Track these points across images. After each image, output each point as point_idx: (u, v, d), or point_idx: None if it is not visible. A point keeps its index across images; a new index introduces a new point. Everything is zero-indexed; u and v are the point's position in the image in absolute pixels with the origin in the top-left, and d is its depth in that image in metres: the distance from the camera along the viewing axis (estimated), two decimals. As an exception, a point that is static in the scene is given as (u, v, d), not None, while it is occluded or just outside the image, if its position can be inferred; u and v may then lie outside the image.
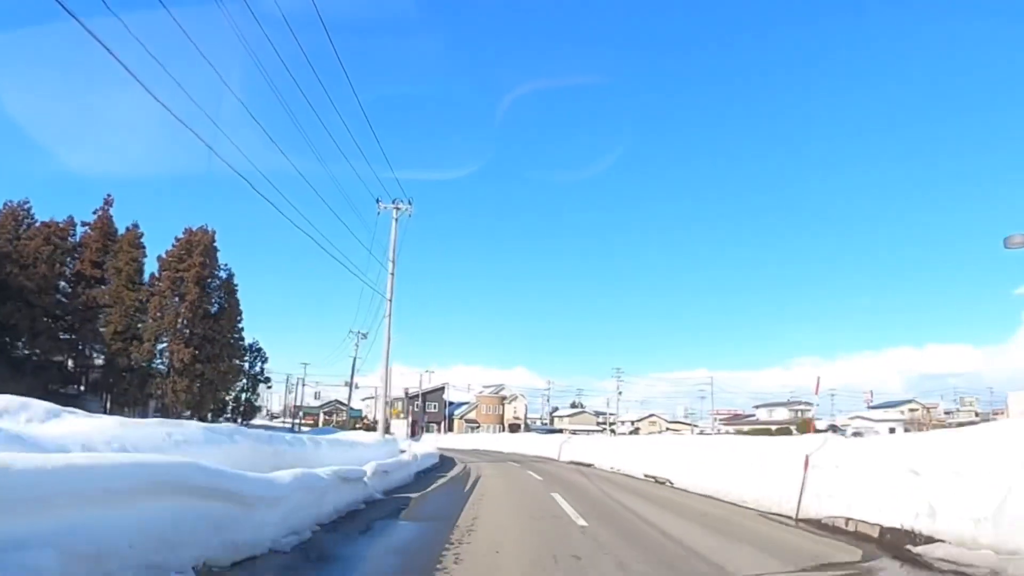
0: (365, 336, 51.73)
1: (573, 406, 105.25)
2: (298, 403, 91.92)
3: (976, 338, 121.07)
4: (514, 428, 71.11)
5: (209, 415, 50.53)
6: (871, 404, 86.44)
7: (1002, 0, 74.99)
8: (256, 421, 57.62)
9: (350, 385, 50.65)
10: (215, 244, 47.34)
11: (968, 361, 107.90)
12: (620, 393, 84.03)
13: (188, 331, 44.16)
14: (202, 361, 44.31)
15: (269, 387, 52.42)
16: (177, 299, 43.97)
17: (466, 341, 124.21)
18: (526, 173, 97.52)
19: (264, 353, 52.04)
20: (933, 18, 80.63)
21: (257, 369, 52.08)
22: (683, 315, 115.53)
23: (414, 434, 66.33)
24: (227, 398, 50.16)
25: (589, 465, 22.96)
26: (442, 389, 73.07)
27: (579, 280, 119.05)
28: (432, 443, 43.11)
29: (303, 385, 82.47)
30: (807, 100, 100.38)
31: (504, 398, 75.92)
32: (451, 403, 76.62)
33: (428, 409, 72.67)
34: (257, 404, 52.40)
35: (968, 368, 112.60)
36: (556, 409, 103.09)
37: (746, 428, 76.43)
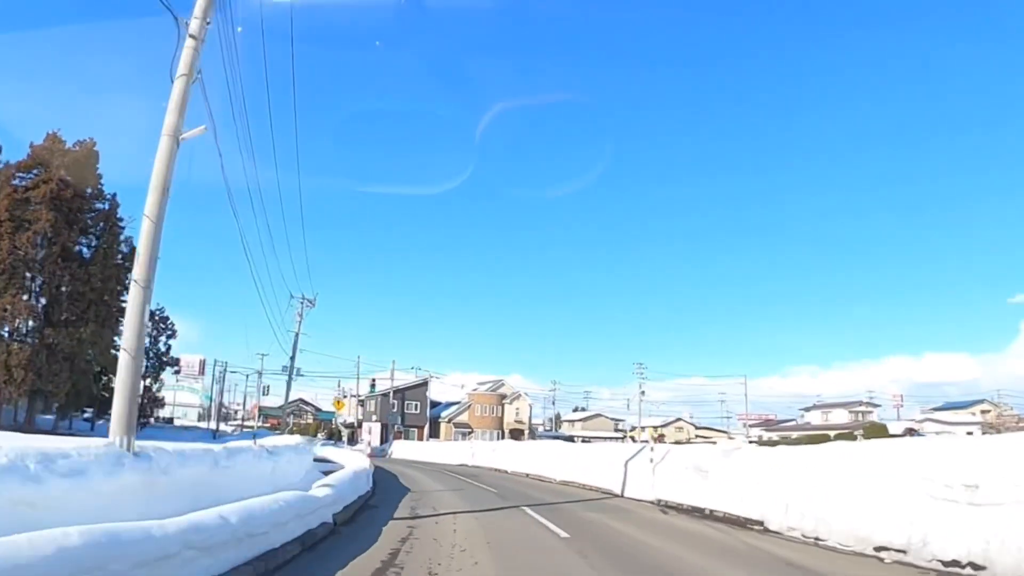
0: (312, 303, 37.38)
1: (575, 411, 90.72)
2: (256, 402, 78.44)
3: (973, 346, 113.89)
4: (516, 434, 56.37)
5: (87, 412, 35.88)
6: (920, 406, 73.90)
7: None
8: (180, 423, 42.82)
9: (289, 370, 36.04)
10: (96, 163, 32.90)
11: (965, 370, 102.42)
12: (643, 393, 69.45)
13: (33, 278, 29.61)
14: (56, 324, 29.70)
15: (176, 372, 37.80)
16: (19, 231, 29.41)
17: (459, 349, 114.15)
18: (505, 188, 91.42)
19: (171, 325, 37.39)
20: (927, 35, 74.83)
21: (161, 348, 37.33)
22: (678, 324, 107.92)
23: (384, 440, 51.58)
24: (112, 384, 35.40)
25: (757, 526, 8.40)
26: (424, 385, 57.88)
27: (571, 288, 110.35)
28: (372, 457, 28.33)
29: (260, 378, 68.46)
30: (802, 111, 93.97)
31: (504, 397, 60.84)
32: (436, 403, 61.70)
33: (407, 410, 57.66)
34: (160, 395, 37.66)
35: (965, 377, 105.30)
36: (558, 415, 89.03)
37: (795, 435, 62.41)
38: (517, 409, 60.95)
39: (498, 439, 52.85)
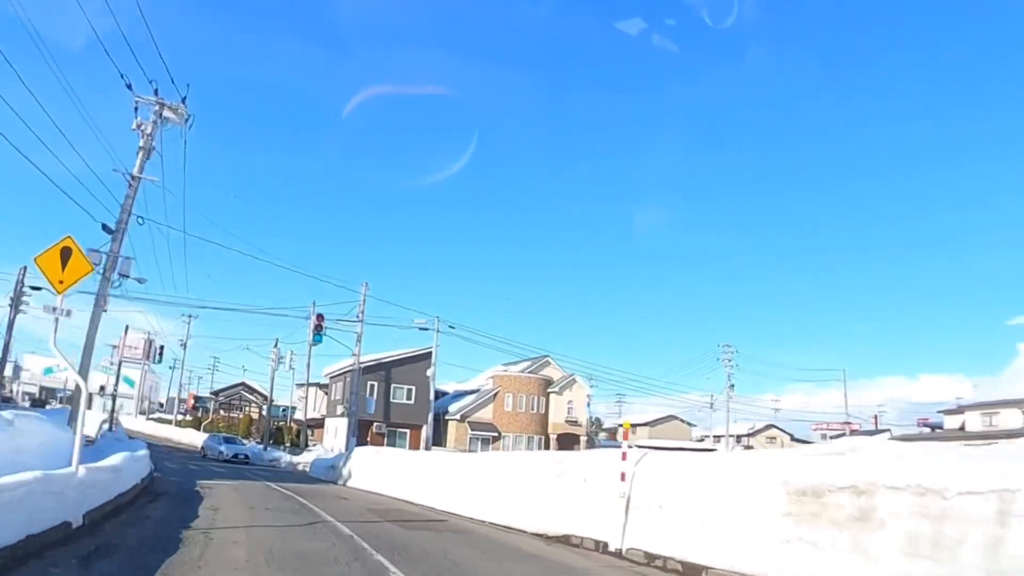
0: (180, 115, 16.66)
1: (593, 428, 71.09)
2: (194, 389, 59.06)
3: (969, 368, 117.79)
4: (567, 442, 35.55)
5: None
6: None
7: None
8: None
9: (111, 254, 15.21)
10: None
11: (961, 391, 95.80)
12: (732, 387, 49.23)
13: None
14: None
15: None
16: None
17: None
18: (367, 175, 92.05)
19: None
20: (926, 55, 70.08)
21: None
22: (675, 336, 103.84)
23: (348, 446, 30.44)
24: None
25: None
26: (424, 358, 35.56)
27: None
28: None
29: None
30: (810, 137, 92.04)
31: (549, 383, 39.07)
32: (443, 393, 40.73)
33: (394, 398, 36.49)
34: None
35: (961, 398, 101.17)
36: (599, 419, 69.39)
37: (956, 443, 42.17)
38: (569, 403, 39.40)
39: (540, 448, 32.06)
